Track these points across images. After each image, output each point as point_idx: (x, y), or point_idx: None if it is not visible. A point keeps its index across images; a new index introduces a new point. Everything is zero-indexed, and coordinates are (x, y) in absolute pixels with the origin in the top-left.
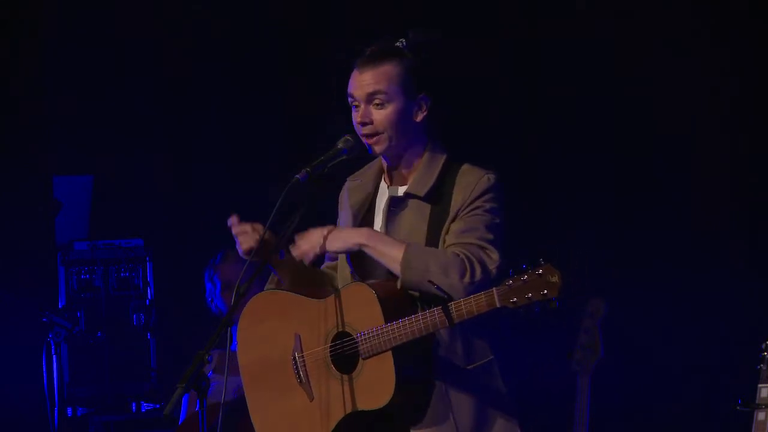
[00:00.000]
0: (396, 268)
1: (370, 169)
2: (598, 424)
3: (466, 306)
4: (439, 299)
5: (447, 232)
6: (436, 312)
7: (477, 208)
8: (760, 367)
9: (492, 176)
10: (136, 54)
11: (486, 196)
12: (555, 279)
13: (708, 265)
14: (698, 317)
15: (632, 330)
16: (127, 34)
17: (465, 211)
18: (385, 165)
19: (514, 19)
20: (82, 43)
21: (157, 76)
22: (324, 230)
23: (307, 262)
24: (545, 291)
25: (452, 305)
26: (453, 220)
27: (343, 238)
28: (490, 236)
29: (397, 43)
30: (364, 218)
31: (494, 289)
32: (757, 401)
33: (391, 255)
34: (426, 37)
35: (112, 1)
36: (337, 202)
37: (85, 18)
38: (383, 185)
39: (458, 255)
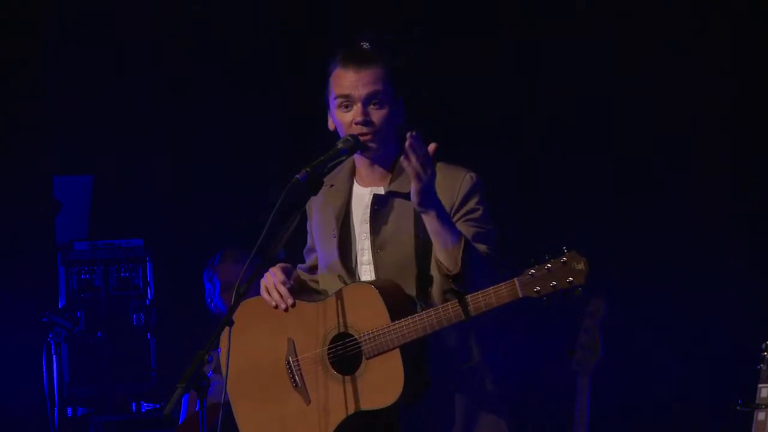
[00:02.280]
0: (448, 254)
1: (340, 173)
2: (598, 424)
3: (484, 298)
4: (439, 297)
5: None
6: (451, 307)
7: (470, 212)
8: (760, 367)
9: (473, 174)
10: (136, 54)
11: (475, 198)
12: (581, 266)
13: (708, 265)
14: (698, 317)
15: (632, 330)
16: (127, 34)
17: (461, 215)
18: (360, 165)
19: (514, 19)
20: (82, 43)
21: (157, 76)
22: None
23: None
24: (571, 278)
25: (469, 298)
26: None
27: (429, 195)
28: (492, 246)
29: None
30: (344, 222)
31: (515, 279)
32: (757, 401)
33: (447, 238)
34: (400, 42)
35: (112, 1)
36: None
37: (85, 18)
38: (357, 187)
39: (488, 255)
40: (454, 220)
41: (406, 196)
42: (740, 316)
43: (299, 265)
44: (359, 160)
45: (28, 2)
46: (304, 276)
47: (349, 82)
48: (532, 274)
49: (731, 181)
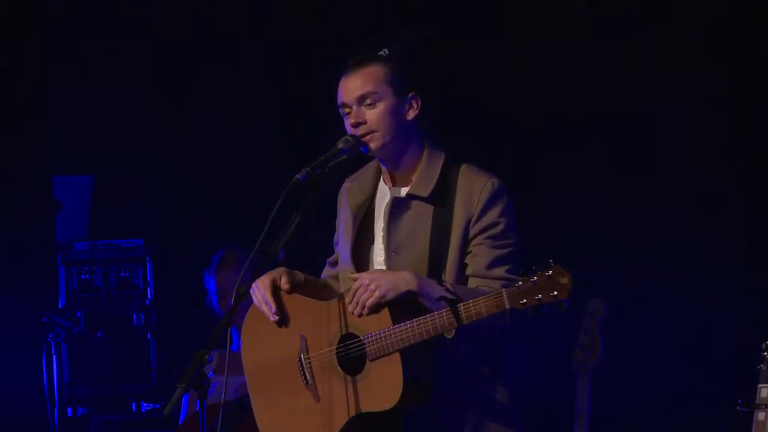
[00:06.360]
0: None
1: (367, 171)
2: (598, 424)
3: (475, 308)
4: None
5: (462, 249)
6: (445, 313)
7: (492, 227)
8: (760, 367)
9: (496, 181)
10: (136, 54)
11: (497, 208)
12: (565, 280)
13: (708, 265)
14: (698, 317)
15: (632, 330)
16: (127, 34)
17: (480, 230)
18: (382, 164)
19: (514, 19)
20: (82, 43)
21: (157, 76)
22: (366, 281)
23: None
24: (555, 292)
25: (461, 306)
26: (464, 231)
27: (393, 287)
28: (512, 265)
29: (381, 53)
30: (364, 220)
31: (504, 290)
32: (757, 401)
33: (440, 303)
34: (410, 40)
35: (112, 2)
36: (336, 203)
37: (84, 18)
38: (382, 186)
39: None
40: (473, 234)
41: (425, 200)
42: (740, 316)
43: (328, 259)
44: (379, 161)
45: (28, 2)
46: (327, 272)
47: (342, 91)
48: (518, 286)
49: (731, 181)
